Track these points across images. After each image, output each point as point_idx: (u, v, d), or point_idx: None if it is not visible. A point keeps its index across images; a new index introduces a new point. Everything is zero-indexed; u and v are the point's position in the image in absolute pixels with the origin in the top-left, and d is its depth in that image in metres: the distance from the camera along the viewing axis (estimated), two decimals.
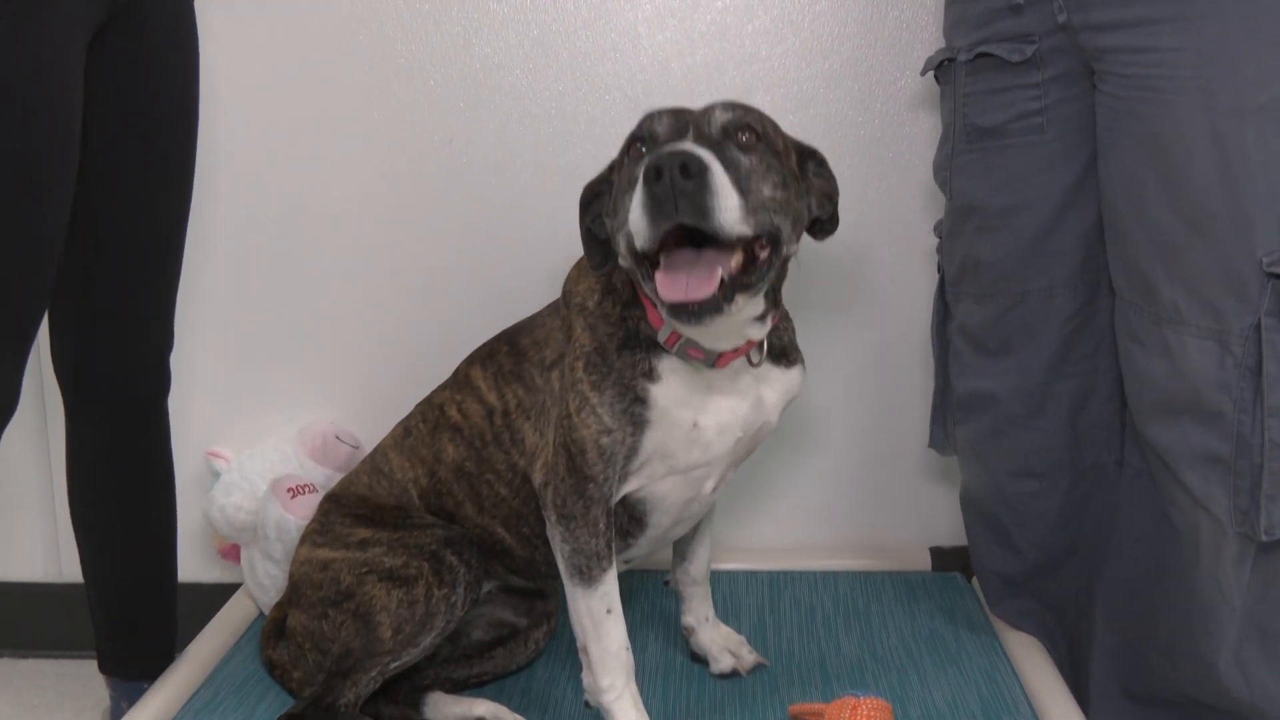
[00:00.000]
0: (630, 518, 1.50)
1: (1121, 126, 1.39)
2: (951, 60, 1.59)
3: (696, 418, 1.40)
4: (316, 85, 2.02)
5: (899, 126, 1.99)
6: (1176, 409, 1.40)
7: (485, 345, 1.62)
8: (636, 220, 1.18)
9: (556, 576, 1.53)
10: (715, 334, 1.33)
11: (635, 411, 1.38)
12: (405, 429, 1.68)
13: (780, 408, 1.50)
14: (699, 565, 1.73)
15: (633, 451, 1.40)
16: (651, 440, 1.40)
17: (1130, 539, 1.60)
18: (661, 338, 1.37)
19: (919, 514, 2.13)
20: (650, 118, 1.29)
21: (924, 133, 1.98)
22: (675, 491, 1.48)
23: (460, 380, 1.61)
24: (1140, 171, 1.38)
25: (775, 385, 1.47)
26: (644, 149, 1.28)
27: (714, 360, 1.37)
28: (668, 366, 1.38)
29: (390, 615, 1.49)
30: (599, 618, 1.46)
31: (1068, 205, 1.52)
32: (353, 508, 1.64)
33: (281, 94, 2.03)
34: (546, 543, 1.53)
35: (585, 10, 1.97)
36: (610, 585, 1.46)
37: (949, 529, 2.11)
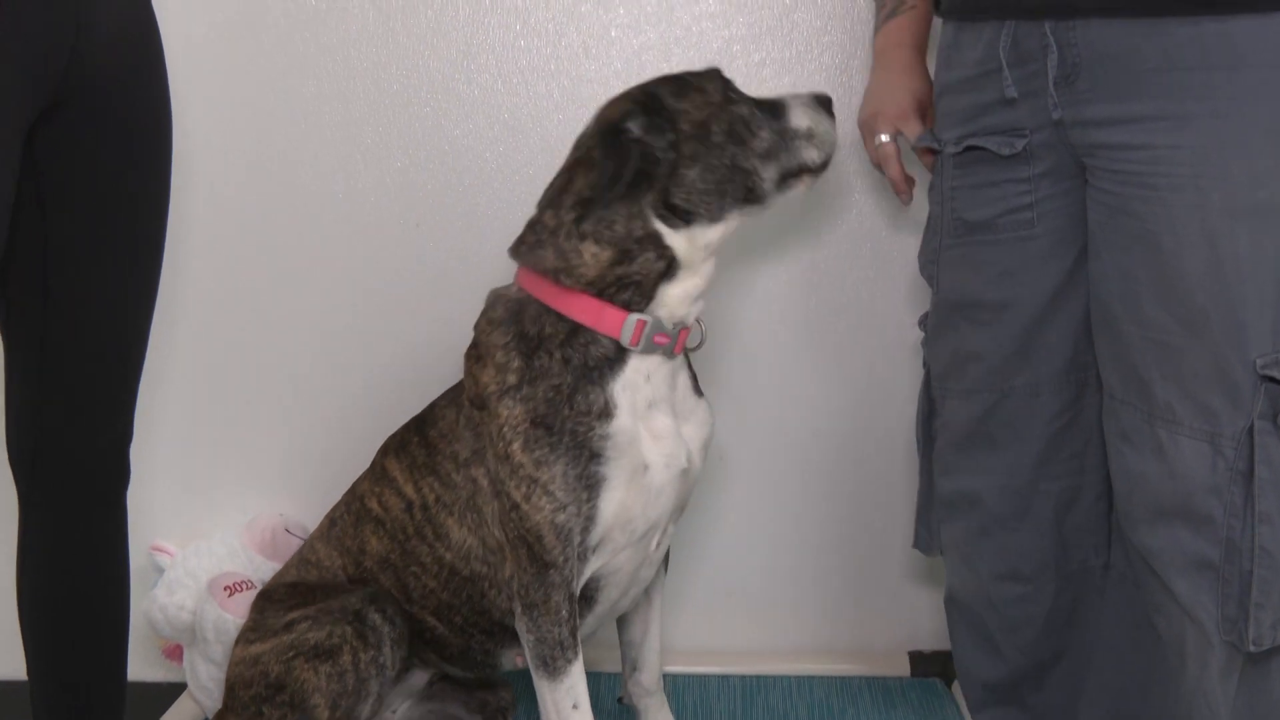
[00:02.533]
0: (581, 598, 1.50)
1: (1115, 223, 1.39)
2: (937, 151, 1.58)
3: (645, 456, 1.43)
4: (281, 166, 2.01)
5: (878, 215, 2.00)
6: (1167, 511, 1.38)
7: (398, 434, 1.62)
8: (826, 131, 1.51)
9: (495, 665, 1.57)
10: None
11: (591, 473, 1.40)
12: (330, 520, 1.67)
13: (704, 442, 1.55)
14: (651, 674, 1.72)
15: (590, 522, 1.41)
16: (609, 503, 1.41)
17: (1115, 646, 1.59)
18: (625, 336, 1.42)
19: (898, 617, 2.11)
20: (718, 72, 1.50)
21: (903, 221, 1.98)
22: (628, 560, 1.50)
23: (377, 471, 1.62)
24: (1134, 269, 1.38)
25: (693, 417, 1.53)
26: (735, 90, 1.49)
27: (673, 345, 1.45)
28: (619, 389, 1.42)
29: (324, 694, 1.47)
30: (565, 714, 1.46)
31: (1057, 301, 1.52)
32: (284, 599, 1.62)
33: (246, 174, 2.02)
34: (481, 632, 1.54)
35: (557, 94, 1.96)
36: (576, 679, 1.46)
37: (929, 633, 2.08)
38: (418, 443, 1.56)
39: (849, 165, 1.97)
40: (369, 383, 2.06)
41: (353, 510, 1.63)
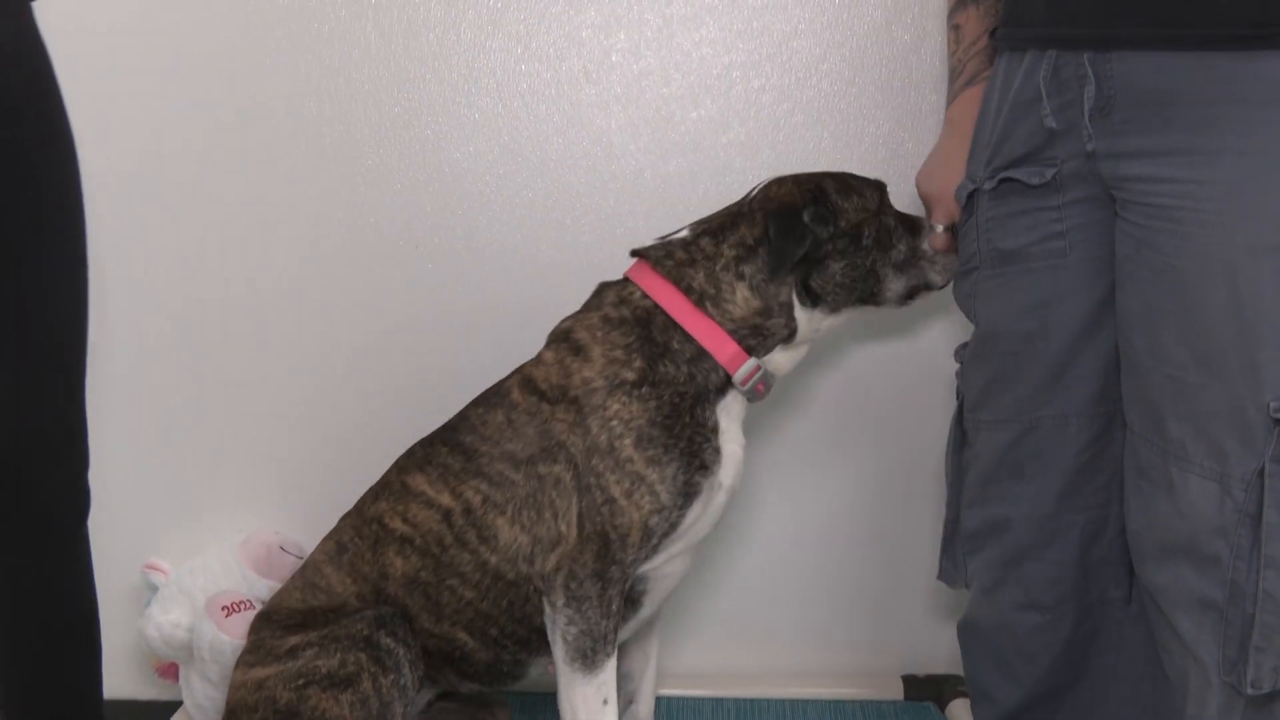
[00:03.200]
0: (627, 601, 1.53)
1: (1141, 256, 1.38)
2: (975, 191, 1.58)
3: (721, 477, 1.52)
4: (283, 186, 2.01)
5: None
6: (1174, 549, 1.38)
7: (416, 451, 1.62)
8: (952, 260, 1.65)
9: (520, 677, 1.59)
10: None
11: (695, 482, 1.47)
12: (338, 544, 1.65)
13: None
14: (646, 704, 1.75)
15: (674, 528, 1.48)
16: (693, 512, 1.48)
17: (1127, 681, 1.59)
18: (739, 377, 1.52)
19: (892, 640, 2.11)
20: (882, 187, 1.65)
21: None
22: (680, 566, 1.57)
23: (396, 489, 1.60)
24: (1157, 303, 1.37)
25: (741, 440, 1.61)
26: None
27: (762, 396, 1.57)
28: (721, 413, 1.54)
29: None
30: (594, 709, 1.47)
31: (1089, 332, 1.51)
32: (284, 620, 1.61)
33: (247, 194, 2.02)
34: (515, 642, 1.55)
35: (557, 118, 1.96)
36: (609, 675, 1.48)
37: (922, 656, 2.09)
38: (448, 453, 1.57)
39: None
40: (366, 401, 2.06)
41: (367, 533, 1.61)
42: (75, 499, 1.57)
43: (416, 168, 1.99)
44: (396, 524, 1.57)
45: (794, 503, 2.07)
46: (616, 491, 1.44)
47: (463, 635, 1.56)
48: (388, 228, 2.01)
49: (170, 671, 2.01)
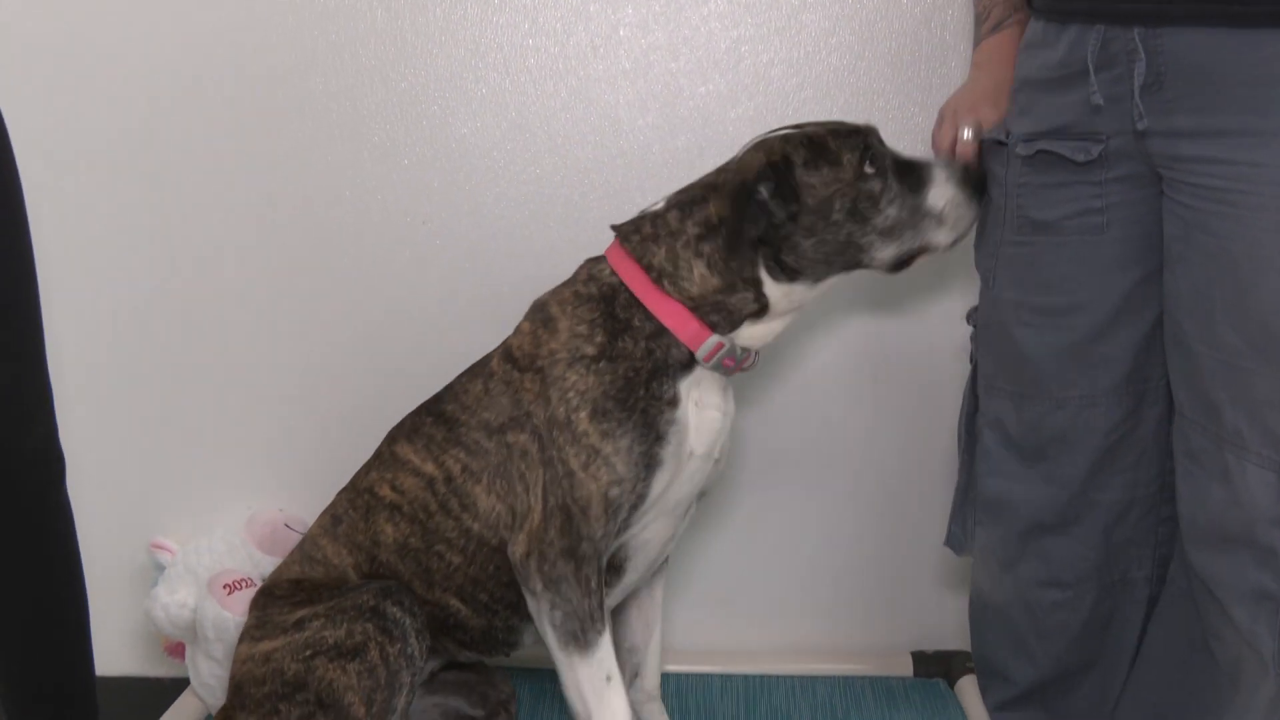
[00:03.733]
0: (609, 567, 1.52)
1: (1191, 239, 1.36)
2: (1003, 144, 1.54)
3: (692, 444, 1.49)
4: (289, 163, 2.01)
5: None
6: (1230, 538, 1.37)
7: (405, 422, 1.64)
8: (964, 214, 1.51)
9: (515, 644, 1.58)
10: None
11: (653, 454, 1.45)
12: (333, 517, 1.66)
13: (730, 425, 1.59)
14: (653, 679, 1.74)
15: (640, 499, 1.46)
16: (659, 482, 1.46)
17: (1161, 661, 1.57)
18: (702, 354, 1.48)
19: (901, 616, 2.11)
20: (872, 133, 1.51)
21: None
22: (661, 531, 1.54)
23: (386, 459, 1.62)
24: (1209, 287, 1.35)
25: (729, 414, 1.58)
26: (877, 162, 1.48)
27: (735, 368, 1.52)
28: (685, 386, 1.49)
29: (357, 692, 1.46)
30: (599, 688, 1.46)
31: (1122, 311, 1.49)
32: (287, 595, 1.61)
33: (254, 170, 2.01)
34: (506, 607, 1.55)
35: (565, 93, 1.96)
36: (606, 651, 1.47)
37: (932, 632, 2.09)
38: (432, 423, 1.58)
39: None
40: (372, 378, 2.06)
41: (360, 504, 1.62)
42: (48, 463, 1.57)
43: (424, 144, 1.99)
44: (386, 491, 1.59)
45: (801, 478, 2.06)
46: (575, 464, 1.43)
47: (455, 601, 1.57)
48: (395, 204, 2.00)
49: (178, 650, 2.01)
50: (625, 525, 1.48)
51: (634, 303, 1.49)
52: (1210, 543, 1.40)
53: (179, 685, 2.01)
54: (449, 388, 1.61)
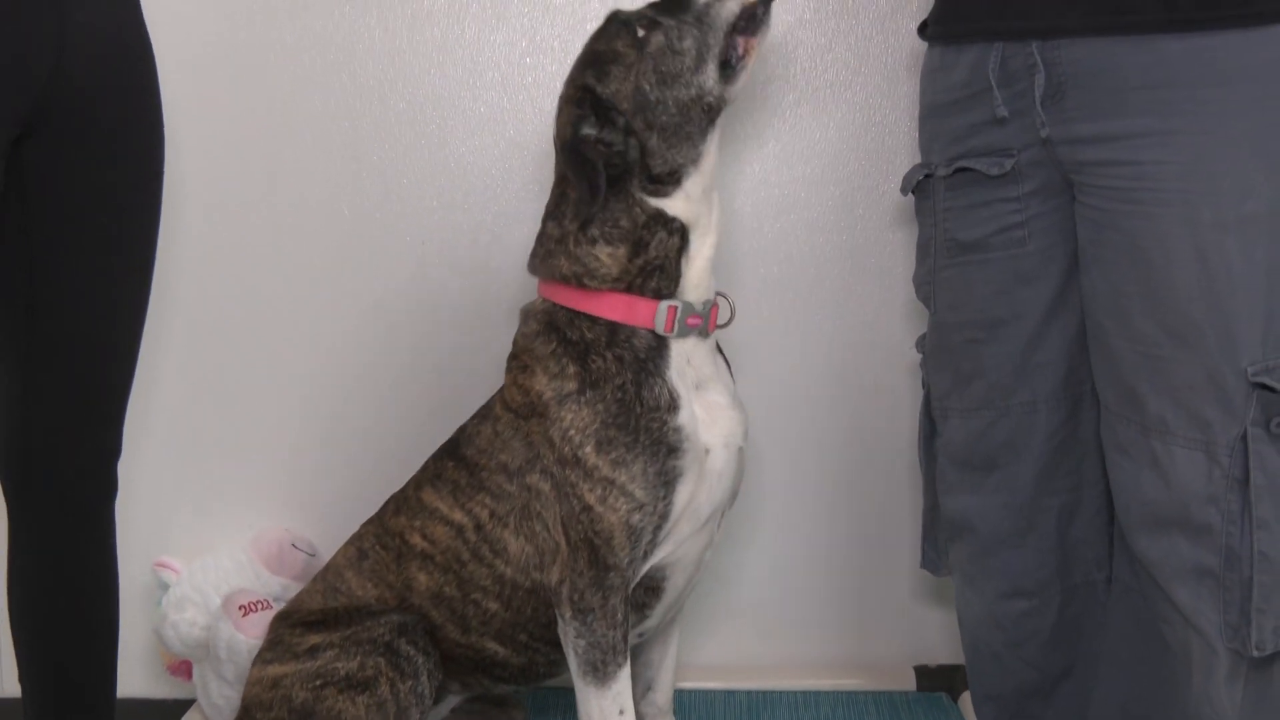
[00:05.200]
0: (646, 589, 1.51)
1: (1104, 238, 1.42)
2: (929, 176, 1.61)
3: (705, 440, 1.46)
4: (286, 182, 2.03)
5: (881, 233, 2.03)
6: (1165, 522, 1.41)
7: (429, 465, 1.62)
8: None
9: (556, 674, 1.56)
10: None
11: (669, 468, 1.42)
12: (359, 550, 1.65)
13: (746, 424, 1.56)
14: (665, 694, 1.74)
15: (663, 519, 1.43)
16: (682, 496, 1.43)
17: (1120, 657, 1.60)
18: (660, 324, 1.44)
19: (903, 631, 2.12)
20: (617, 12, 1.48)
21: (906, 240, 1.99)
22: (694, 544, 1.51)
23: (414, 505, 1.59)
24: (1124, 284, 1.40)
25: (736, 398, 1.55)
26: (642, 23, 1.44)
27: (707, 324, 1.48)
28: (674, 376, 1.44)
29: None
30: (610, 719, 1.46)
31: (1051, 316, 1.54)
32: (304, 619, 1.61)
33: (250, 189, 2.03)
34: (546, 644, 1.54)
35: None
36: (624, 684, 1.47)
37: (934, 647, 2.10)
38: (454, 467, 1.55)
39: (857, 195, 1.99)
40: (374, 397, 2.07)
41: (390, 545, 1.60)
42: (103, 483, 1.61)
43: (422, 163, 2.00)
44: (417, 540, 1.57)
45: (803, 494, 2.07)
46: (591, 499, 1.41)
47: (492, 645, 1.56)
48: (394, 223, 2.02)
49: (181, 669, 2.02)
50: (653, 546, 1.46)
51: (573, 315, 1.47)
52: (1147, 528, 1.43)
53: (182, 706, 2.02)
54: (462, 430, 1.60)
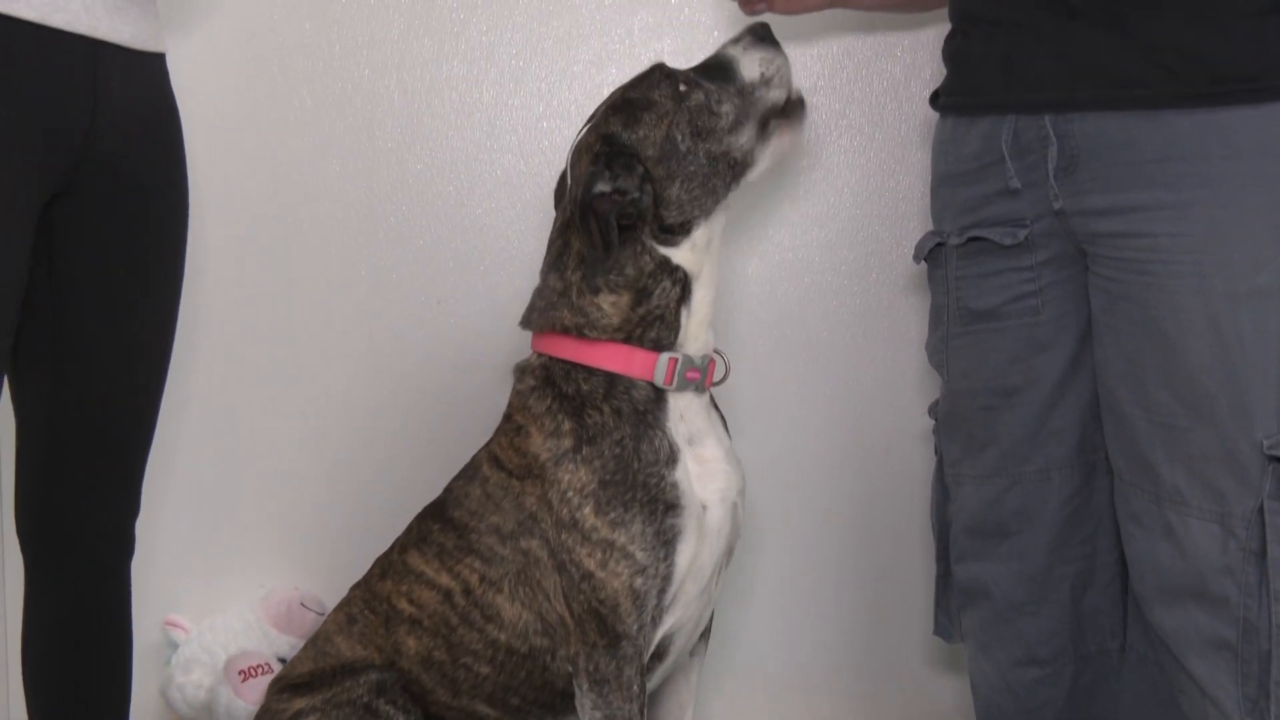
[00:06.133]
0: (652, 655, 1.48)
1: (1118, 309, 1.44)
2: (941, 245, 1.62)
3: (701, 495, 1.43)
4: (305, 244, 2.05)
5: (894, 298, 2.04)
6: (1181, 593, 1.41)
7: (413, 527, 1.59)
8: (779, 65, 1.49)
9: None
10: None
11: (668, 526, 1.39)
12: (348, 616, 1.62)
13: (743, 482, 1.54)
14: None
15: (666, 581, 1.40)
16: (684, 556, 1.41)
17: None
18: (659, 376, 1.43)
19: (915, 697, 2.11)
20: (661, 64, 1.50)
21: (919, 305, 1.99)
22: (694, 608, 1.49)
23: (399, 569, 1.57)
24: (1138, 354, 1.42)
25: (731, 453, 1.53)
26: (684, 80, 1.47)
27: (703, 380, 1.47)
28: (672, 426, 1.44)
29: None
30: None
31: (1065, 384, 1.55)
32: (291, 683, 1.59)
33: (267, 254, 2.05)
34: (539, 706, 1.51)
35: None
36: None
37: (946, 713, 2.08)
38: (440, 529, 1.53)
39: (871, 260, 2.00)
40: (387, 458, 2.07)
41: (378, 610, 1.58)
42: (120, 543, 1.61)
43: (439, 224, 2.02)
44: (404, 605, 1.55)
45: (818, 556, 2.07)
46: (591, 564, 1.39)
47: (484, 708, 1.54)
48: (410, 284, 2.04)
49: None
50: (660, 611, 1.42)
51: (570, 367, 1.45)
52: (1162, 599, 1.43)
53: None
54: (449, 490, 1.57)
